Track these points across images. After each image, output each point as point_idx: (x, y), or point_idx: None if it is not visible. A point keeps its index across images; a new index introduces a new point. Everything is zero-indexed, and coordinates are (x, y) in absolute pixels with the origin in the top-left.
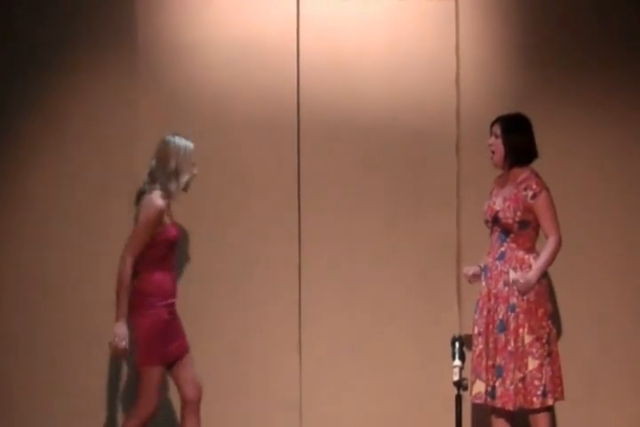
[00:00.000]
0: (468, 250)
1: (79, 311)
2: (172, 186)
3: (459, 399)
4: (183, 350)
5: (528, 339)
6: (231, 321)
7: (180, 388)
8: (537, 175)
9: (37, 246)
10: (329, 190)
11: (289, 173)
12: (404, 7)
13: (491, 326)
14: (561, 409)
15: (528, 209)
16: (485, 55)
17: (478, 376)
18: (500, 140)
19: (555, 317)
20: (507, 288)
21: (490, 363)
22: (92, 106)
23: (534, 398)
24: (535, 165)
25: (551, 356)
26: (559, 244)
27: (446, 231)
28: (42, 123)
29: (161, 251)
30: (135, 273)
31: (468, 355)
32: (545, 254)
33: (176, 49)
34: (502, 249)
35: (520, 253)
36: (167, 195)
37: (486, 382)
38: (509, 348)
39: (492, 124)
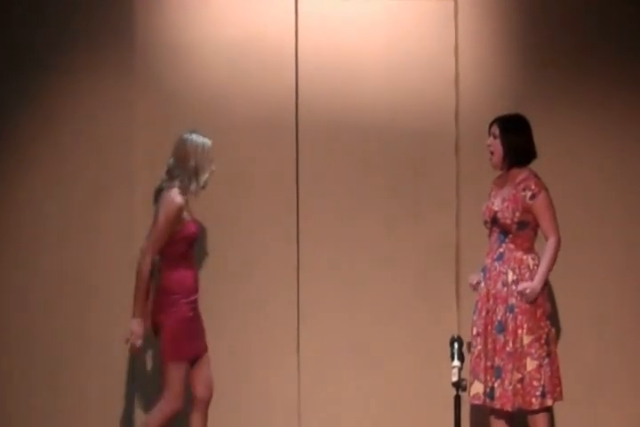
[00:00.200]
0: (467, 250)
1: (79, 311)
2: (192, 185)
3: (457, 400)
4: (204, 348)
5: (527, 339)
6: (230, 322)
7: (193, 386)
8: (536, 176)
9: (35, 247)
10: (328, 191)
11: (287, 174)
12: (404, 7)
13: (489, 327)
14: (560, 410)
15: (527, 210)
16: (485, 55)
17: (477, 377)
18: (498, 141)
19: (554, 317)
20: (505, 289)
21: (488, 364)
22: (89, 106)
23: (533, 399)
24: (535, 165)
25: (550, 356)
26: (559, 244)
27: (445, 231)
28: (39, 123)
29: (181, 248)
30: (157, 271)
31: (467, 356)
32: (546, 258)
33: (174, 49)
34: (501, 250)
35: (519, 254)
36: (186, 192)
37: (485, 383)
38: (508, 349)
39: (491, 125)
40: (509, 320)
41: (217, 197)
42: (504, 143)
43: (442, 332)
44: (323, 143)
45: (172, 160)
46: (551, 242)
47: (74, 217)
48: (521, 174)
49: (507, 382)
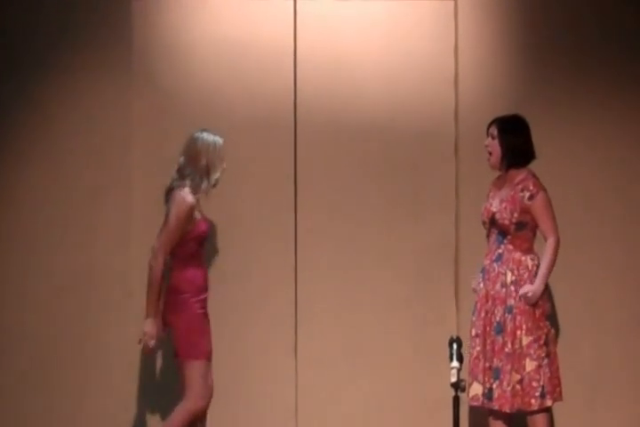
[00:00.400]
0: (466, 251)
1: (78, 311)
2: (204, 183)
3: (456, 401)
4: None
5: (526, 340)
6: (227, 323)
7: None
8: (534, 176)
9: (33, 246)
10: (326, 191)
11: (286, 174)
12: (403, 7)
13: (488, 328)
14: (560, 410)
15: (525, 210)
16: (484, 55)
17: (475, 378)
18: (496, 142)
19: (554, 317)
20: (504, 290)
21: (487, 365)
22: (87, 106)
23: (532, 400)
24: (534, 165)
25: (549, 357)
26: (558, 244)
27: (445, 232)
28: (36, 123)
29: (192, 247)
30: (167, 270)
31: (466, 357)
32: (546, 260)
33: (172, 49)
34: (500, 251)
35: (517, 255)
36: (197, 191)
37: (483, 384)
38: (507, 350)
39: (489, 126)
40: (508, 321)
41: (215, 196)
42: (502, 144)
43: (440, 332)
44: (321, 143)
45: (182, 159)
46: (550, 242)
47: (71, 217)
48: (519, 175)
49: (505, 383)
